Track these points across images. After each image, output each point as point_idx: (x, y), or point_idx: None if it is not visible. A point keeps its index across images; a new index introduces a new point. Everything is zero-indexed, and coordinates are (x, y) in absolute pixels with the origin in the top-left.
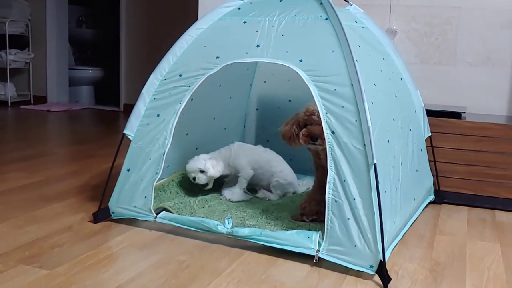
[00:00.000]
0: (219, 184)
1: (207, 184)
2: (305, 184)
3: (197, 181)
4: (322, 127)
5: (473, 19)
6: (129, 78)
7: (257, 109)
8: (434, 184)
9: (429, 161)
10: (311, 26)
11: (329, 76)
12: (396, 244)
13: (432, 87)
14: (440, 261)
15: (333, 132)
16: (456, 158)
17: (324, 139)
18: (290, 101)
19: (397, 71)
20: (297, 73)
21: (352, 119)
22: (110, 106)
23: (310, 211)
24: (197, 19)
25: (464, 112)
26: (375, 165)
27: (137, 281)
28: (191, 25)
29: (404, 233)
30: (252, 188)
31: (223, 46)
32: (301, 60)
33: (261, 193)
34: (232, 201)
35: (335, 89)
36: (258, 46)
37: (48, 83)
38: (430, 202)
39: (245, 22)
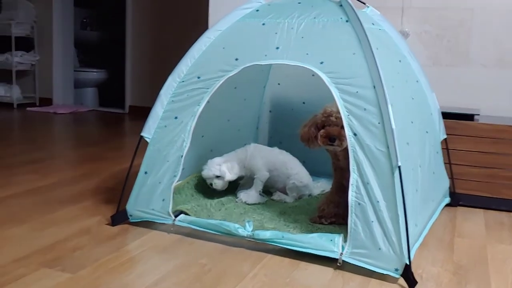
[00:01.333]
0: (234, 186)
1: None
2: (320, 186)
3: (214, 187)
4: (340, 128)
5: (485, 20)
6: (134, 80)
7: (270, 111)
8: (449, 186)
9: (445, 163)
10: (331, 28)
11: (351, 78)
12: (417, 247)
13: (444, 89)
14: (462, 264)
15: (355, 134)
16: (472, 160)
17: (342, 140)
18: (304, 103)
19: (413, 73)
20: (312, 75)
21: (375, 121)
22: (115, 108)
23: (329, 214)
24: (207, 21)
25: (478, 114)
26: (399, 167)
27: (161, 284)
28: (199, 26)
29: (424, 236)
30: (266, 190)
31: (242, 48)
32: (322, 62)
33: (277, 196)
34: (248, 204)
35: (357, 91)
36: (277, 48)
37: (54, 85)
38: (446, 205)
39: (263, 24)
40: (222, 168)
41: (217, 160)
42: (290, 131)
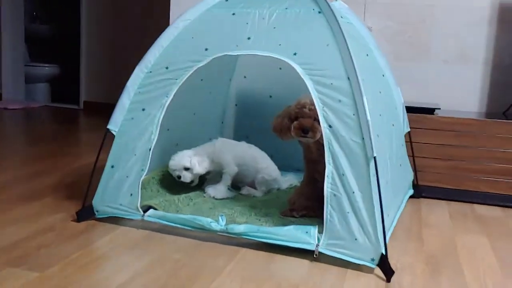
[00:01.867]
0: (201, 181)
1: (191, 182)
2: (288, 180)
3: (182, 179)
4: (313, 120)
5: (446, 17)
6: (89, 75)
7: (236, 105)
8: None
9: (408, 156)
10: (303, 19)
11: (325, 69)
12: (388, 238)
13: (405, 84)
14: (433, 254)
15: (330, 126)
16: (434, 153)
17: (316, 131)
18: (270, 97)
19: (379, 67)
20: (279, 68)
21: (349, 113)
22: (69, 103)
23: (300, 207)
24: (168, 12)
25: (439, 108)
26: (375, 158)
27: (137, 280)
28: (159, 18)
29: (393, 227)
30: (234, 185)
31: (212, 38)
32: (295, 53)
33: (245, 190)
34: (216, 199)
35: (331, 83)
36: (249, 38)
37: (3, 80)
38: (409, 197)
39: (234, 14)
40: (193, 160)
41: (187, 152)
42: (257, 125)
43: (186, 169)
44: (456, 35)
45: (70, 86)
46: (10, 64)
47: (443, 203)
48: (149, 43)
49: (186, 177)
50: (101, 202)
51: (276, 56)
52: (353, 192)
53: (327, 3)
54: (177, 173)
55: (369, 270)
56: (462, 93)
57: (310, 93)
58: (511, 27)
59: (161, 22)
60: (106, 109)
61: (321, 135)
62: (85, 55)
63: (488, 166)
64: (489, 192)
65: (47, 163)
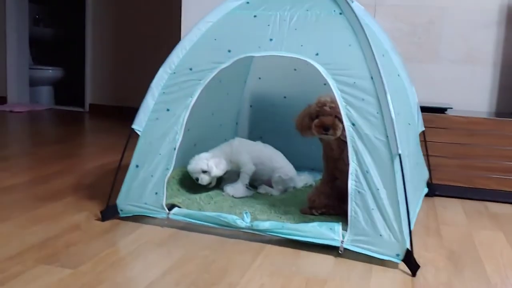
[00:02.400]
0: (218, 180)
1: (209, 184)
2: (303, 179)
3: (200, 182)
4: (334, 118)
5: (455, 18)
6: (95, 78)
7: (251, 106)
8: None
9: (423, 155)
10: (324, 21)
11: (347, 69)
12: None
13: (415, 85)
14: (453, 250)
15: (353, 124)
16: (447, 152)
17: (336, 129)
18: (285, 97)
19: (394, 67)
20: (294, 69)
21: (373, 111)
22: (73, 106)
23: (320, 204)
24: (180, 17)
25: (451, 108)
26: (400, 155)
27: (169, 276)
28: (166, 21)
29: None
30: (250, 183)
31: (234, 40)
32: (317, 54)
33: (263, 189)
34: (235, 197)
35: (354, 82)
36: (271, 40)
37: (8, 83)
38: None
39: (255, 16)
40: (210, 163)
41: (204, 155)
42: (271, 125)
43: (204, 172)
44: (465, 37)
45: (74, 89)
46: (14, 67)
47: (456, 201)
48: (154, 46)
49: (204, 179)
50: (126, 201)
51: (299, 57)
52: (378, 189)
53: (348, 3)
54: (195, 175)
55: (394, 265)
56: (471, 94)
57: (325, 93)
58: None
59: (167, 25)
60: (111, 112)
61: (343, 132)
62: (90, 57)
63: (498, 165)
64: (500, 190)
65: (60, 165)
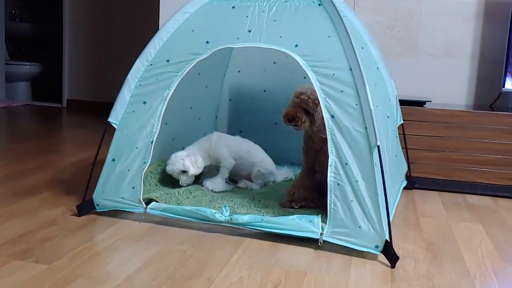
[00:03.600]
0: (198, 175)
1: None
2: (283, 173)
3: (181, 183)
4: (300, 109)
5: (434, 12)
6: (72, 73)
7: (230, 100)
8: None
9: (401, 148)
10: (304, 12)
11: (327, 61)
12: None
13: (394, 78)
14: (433, 241)
15: (332, 116)
16: (426, 145)
17: (304, 121)
18: (265, 91)
19: (373, 60)
20: (274, 62)
21: (352, 103)
22: (51, 102)
23: (299, 198)
24: (158, 10)
25: (430, 101)
26: (378, 146)
27: (145, 271)
28: (145, 15)
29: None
30: (230, 178)
31: (213, 31)
32: (296, 45)
33: (243, 183)
34: (214, 191)
35: (333, 74)
36: (249, 31)
37: None
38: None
39: (233, 7)
40: (186, 163)
41: (180, 154)
42: (251, 119)
43: (183, 171)
44: (444, 30)
45: (52, 85)
46: None
47: (435, 193)
48: (132, 41)
49: (184, 181)
50: (102, 195)
51: (278, 48)
52: (357, 181)
53: None
54: (176, 177)
55: (373, 257)
56: (450, 87)
57: (304, 85)
58: (497, 21)
59: (146, 20)
60: (89, 107)
61: (318, 127)
62: (68, 53)
63: (476, 157)
64: (478, 182)
65: (37, 160)
